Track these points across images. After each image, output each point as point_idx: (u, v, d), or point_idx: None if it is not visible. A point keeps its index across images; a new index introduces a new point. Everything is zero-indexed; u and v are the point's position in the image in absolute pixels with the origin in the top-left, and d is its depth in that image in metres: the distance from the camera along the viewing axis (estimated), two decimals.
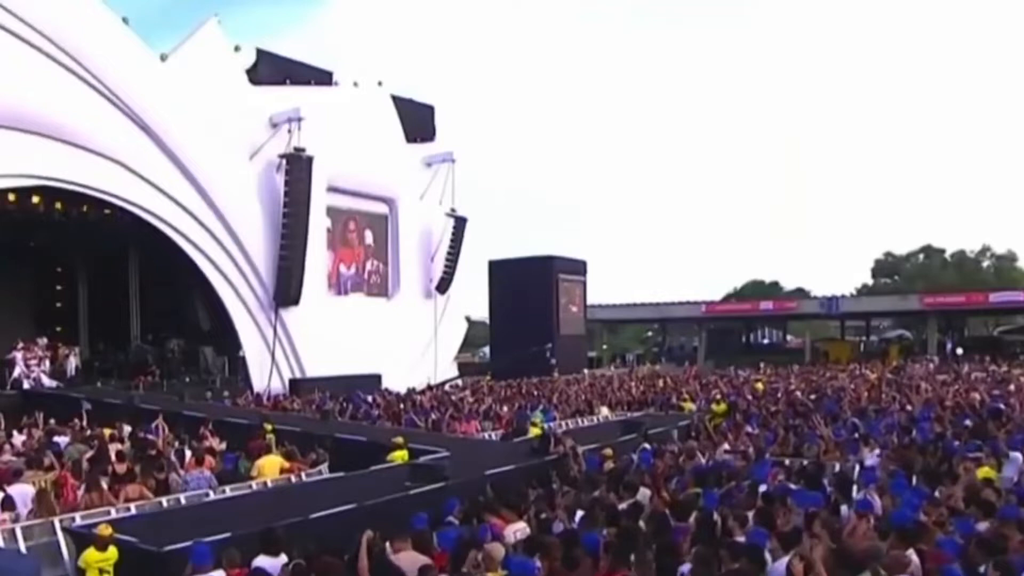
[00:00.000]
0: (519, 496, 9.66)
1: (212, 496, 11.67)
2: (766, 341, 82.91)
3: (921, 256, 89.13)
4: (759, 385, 25.39)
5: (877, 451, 12.55)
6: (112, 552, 8.09)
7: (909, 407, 18.55)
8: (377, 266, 33.97)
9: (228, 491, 11.98)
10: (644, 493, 9.50)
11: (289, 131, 27.72)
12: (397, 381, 29.58)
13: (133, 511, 10.76)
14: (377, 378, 29.45)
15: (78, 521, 10.08)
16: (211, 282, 26.26)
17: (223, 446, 15.10)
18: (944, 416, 16.27)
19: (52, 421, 17.42)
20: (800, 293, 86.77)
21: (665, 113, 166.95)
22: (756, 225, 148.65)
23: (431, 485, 10.91)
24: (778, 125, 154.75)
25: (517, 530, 7.98)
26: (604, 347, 71.39)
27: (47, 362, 24.03)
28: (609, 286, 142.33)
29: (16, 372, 23.06)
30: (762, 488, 9.38)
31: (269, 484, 12.45)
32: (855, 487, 9.55)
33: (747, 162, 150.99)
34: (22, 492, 11.02)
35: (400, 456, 13.32)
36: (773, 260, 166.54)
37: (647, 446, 13.46)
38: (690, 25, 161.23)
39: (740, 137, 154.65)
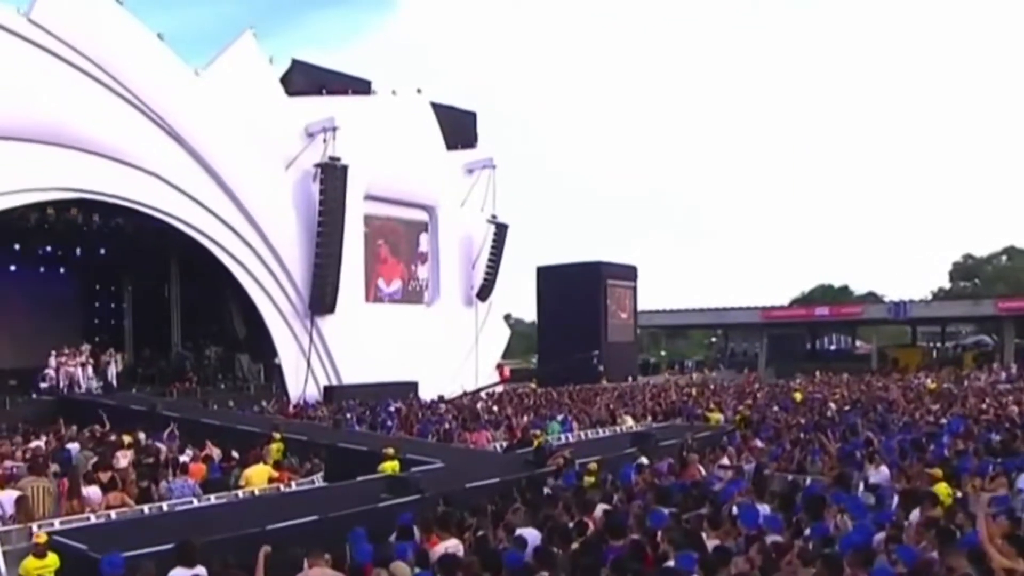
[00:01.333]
0: (476, 511, 9.44)
1: (195, 504, 11.74)
2: (833, 347, 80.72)
3: (1004, 258, 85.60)
4: (797, 395, 24.53)
5: (884, 468, 11.93)
6: (52, 559, 8.19)
7: (944, 420, 17.67)
8: (417, 274, 34.07)
9: (213, 499, 12.05)
10: (608, 508, 9.20)
11: (324, 141, 27.99)
12: (436, 388, 29.63)
13: (114, 517, 10.95)
14: (413, 386, 29.53)
15: (56, 527, 10.24)
16: (246, 290, 26.71)
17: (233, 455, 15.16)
18: (974, 430, 15.46)
19: (74, 427, 17.90)
20: (872, 297, 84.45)
21: (721, 112, 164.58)
22: (827, 227, 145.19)
23: (404, 498, 10.76)
24: (851, 121, 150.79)
25: (448, 547, 7.78)
26: (663, 353, 70.56)
27: (89, 368, 24.77)
28: (673, 291, 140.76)
29: (49, 378, 23.85)
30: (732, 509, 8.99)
31: (256, 493, 12.47)
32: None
33: (817, 161, 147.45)
34: (10, 497, 11.26)
35: (390, 467, 13.16)
36: (845, 263, 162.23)
37: (644, 460, 13.06)
38: (743, 22, 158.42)
39: (808, 135, 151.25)
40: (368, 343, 29.31)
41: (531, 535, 8.12)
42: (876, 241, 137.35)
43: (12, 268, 26.58)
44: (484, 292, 35.41)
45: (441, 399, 26.46)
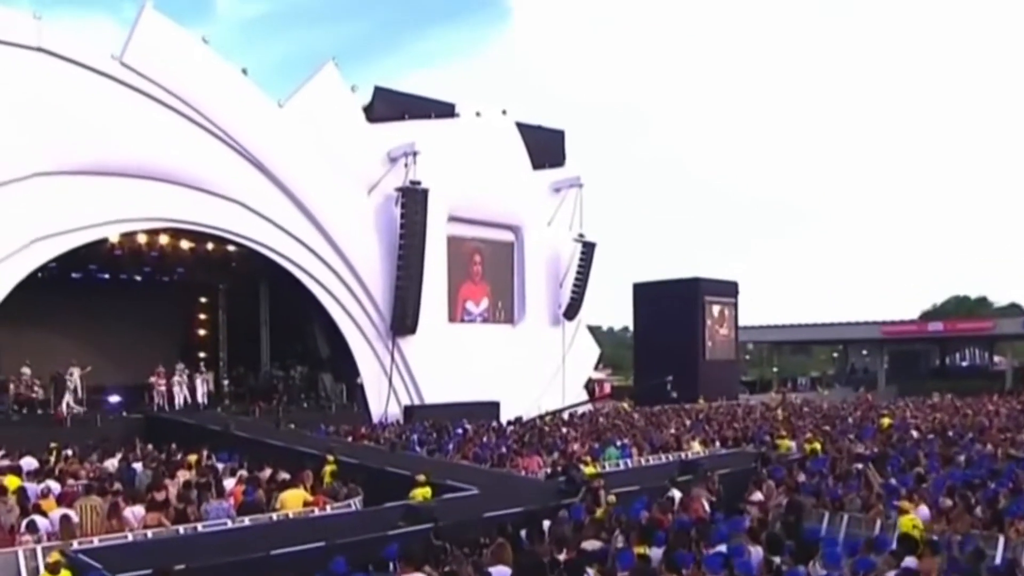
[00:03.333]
0: (462, 544, 9.47)
1: (228, 526, 12.20)
2: (965, 364, 76.06)
3: None
4: (885, 420, 23.24)
5: (923, 508, 11.19)
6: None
7: None
8: (502, 294, 34.30)
9: (247, 521, 12.50)
10: (592, 546, 9.06)
11: (405, 165, 28.66)
12: (520, 409, 29.83)
13: (150, 537, 11.58)
14: (495, 406, 29.68)
15: (95, 544, 10.95)
16: (329, 311, 27.63)
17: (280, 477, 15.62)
18: None
19: (150, 446, 18.95)
20: (1015, 310, 79.44)
21: (832, 113, 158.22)
22: (965, 234, 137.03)
23: (417, 527, 10.86)
24: (989, 119, 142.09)
25: None
26: (774, 369, 68.33)
27: (184, 387, 26.21)
28: (797, 304, 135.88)
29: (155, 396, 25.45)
30: (722, 548, 8.69)
31: (290, 516, 12.83)
32: None
33: (950, 163, 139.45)
34: (58, 516, 12.01)
35: (421, 494, 13.27)
36: (984, 274, 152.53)
37: (674, 493, 12.66)
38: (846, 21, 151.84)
39: (943, 133, 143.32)
40: (451, 363, 29.72)
41: (501, 573, 8.09)
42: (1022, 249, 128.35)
43: (112, 292, 28.43)
44: (571, 311, 35.27)
45: (517, 420, 26.47)
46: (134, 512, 12.39)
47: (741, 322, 48.06)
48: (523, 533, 10.16)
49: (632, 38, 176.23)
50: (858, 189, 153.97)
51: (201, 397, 26.21)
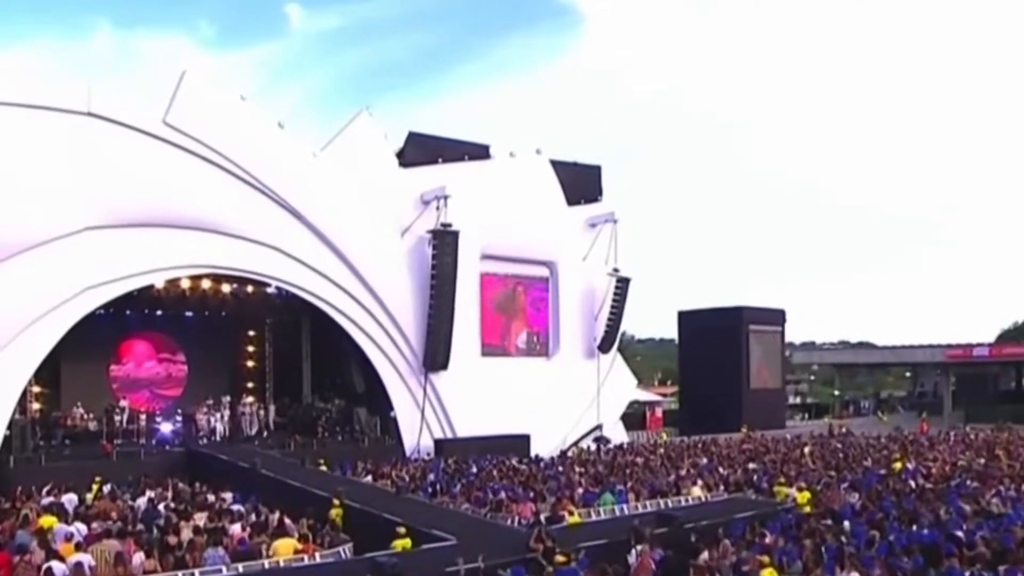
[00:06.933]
0: None
1: (223, 573, 13.39)
2: None
3: None
4: (897, 464, 23.04)
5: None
6: None
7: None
8: (537, 328, 35.21)
9: (241, 568, 13.67)
10: None
11: (437, 208, 29.94)
12: (552, 441, 30.76)
13: None
14: (525, 439, 30.51)
15: None
16: (363, 348, 29.06)
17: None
18: None
19: (180, 485, 20.38)
20: None
21: (890, 127, 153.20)
22: None
23: None
24: None
25: None
26: (835, 393, 67.18)
27: (225, 418, 27.98)
28: (874, 324, 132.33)
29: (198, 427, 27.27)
30: None
31: (281, 564, 13.92)
32: None
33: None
34: (71, 563, 13.37)
35: (402, 544, 14.21)
36: None
37: (636, 551, 13.10)
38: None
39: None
40: (483, 397, 30.66)
41: None
42: None
43: (165, 328, 30.52)
44: (606, 344, 35.94)
45: (536, 458, 27.17)
46: (141, 558, 13.69)
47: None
48: None
49: (695, 60, 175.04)
50: (944, 202, 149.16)
51: (247, 428, 27.88)
